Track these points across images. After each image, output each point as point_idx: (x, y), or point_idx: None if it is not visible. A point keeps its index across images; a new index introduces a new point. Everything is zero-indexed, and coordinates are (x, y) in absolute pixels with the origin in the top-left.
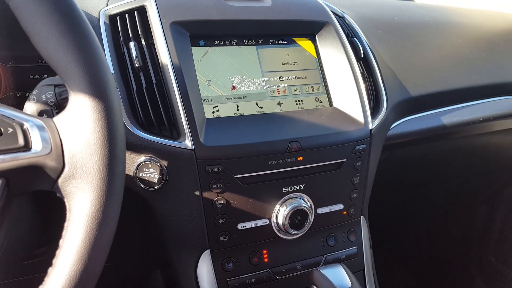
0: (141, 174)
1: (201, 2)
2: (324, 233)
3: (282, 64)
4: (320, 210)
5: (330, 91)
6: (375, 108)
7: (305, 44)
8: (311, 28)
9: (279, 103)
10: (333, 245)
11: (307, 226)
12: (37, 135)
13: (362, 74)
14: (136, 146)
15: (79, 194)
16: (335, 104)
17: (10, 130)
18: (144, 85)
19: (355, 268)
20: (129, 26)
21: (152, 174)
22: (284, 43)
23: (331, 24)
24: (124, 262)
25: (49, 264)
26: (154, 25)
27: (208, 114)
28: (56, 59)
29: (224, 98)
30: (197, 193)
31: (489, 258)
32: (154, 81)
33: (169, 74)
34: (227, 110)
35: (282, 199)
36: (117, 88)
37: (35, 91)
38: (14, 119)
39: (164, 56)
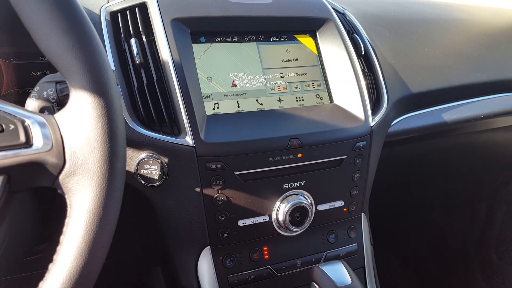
0: (142, 171)
1: None
2: (325, 230)
3: (283, 60)
4: (321, 207)
5: (330, 88)
6: (375, 104)
7: (306, 40)
8: (311, 25)
9: (280, 100)
10: (333, 242)
11: (307, 223)
12: (38, 131)
13: (363, 70)
14: (137, 143)
15: (79, 191)
16: (335, 101)
17: (12, 126)
18: (145, 81)
19: (355, 265)
20: (130, 23)
21: (153, 170)
22: (284, 40)
23: (332, 20)
24: (125, 258)
25: (50, 260)
26: (155, 21)
27: (209, 111)
28: (57, 55)
29: (224, 95)
30: (198, 189)
31: (490, 255)
32: (155, 78)
33: (169, 70)
34: (227, 107)
35: (283, 195)
36: (118, 85)
37: (36, 88)
38: (15, 116)
39: (164, 52)
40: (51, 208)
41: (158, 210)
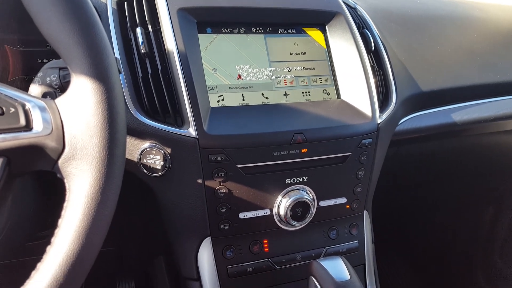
0: (145, 160)
1: None
2: (326, 226)
3: (290, 54)
4: (323, 203)
5: (338, 83)
6: (384, 102)
7: (315, 34)
8: (321, 18)
9: (286, 94)
10: (334, 238)
11: (308, 218)
12: (38, 115)
13: (372, 67)
14: (141, 132)
15: (78, 175)
16: (343, 97)
17: (12, 110)
18: (149, 71)
19: (355, 262)
20: (136, 12)
21: (155, 160)
22: (293, 33)
23: (342, 14)
24: (128, 247)
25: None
26: (161, 11)
27: (213, 103)
28: (58, 40)
29: (229, 87)
30: (200, 181)
31: (494, 259)
32: (159, 68)
33: (174, 61)
34: (232, 100)
35: (285, 190)
36: (121, 73)
37: (39, 74)
38: (16, 99)
39: (170, 42)
40: (56, 195)
41: (160, 200)
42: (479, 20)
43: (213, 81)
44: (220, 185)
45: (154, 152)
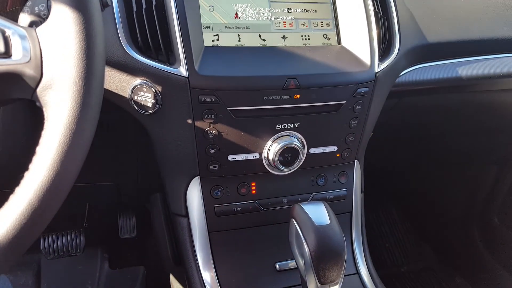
0: (136, 97)
1: None
2: (315, 173)
3: None
4: (313, 150)
5: (340, 29)
6: (385, 50)
7: None
8: None
9: (284, 37)
10: (322, 185)
11: (297, 164)
12: (18, 43)
13: (376, 13)
14: (132, 69)
15: (55, 104)
16: (343, 43)
17: None
18: (144, 6)
19: (342, 210)
20: None
21: (146, 98)
22: None
23: None
24: (125, 182)
25: None
26: None
27: (208, 42)
28: None
29: (225, 27)
30: (190, 121)
31: (493, 219)
32: (153, 3)
33: None
34: (227, 40)
35: (275, 135)
36: (109, 6)
37: (28, 3)
38: None
39: None
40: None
41: (152, 137)
42: None
43: (209, 19)
44: (210, 126)
45: (145, 89)
